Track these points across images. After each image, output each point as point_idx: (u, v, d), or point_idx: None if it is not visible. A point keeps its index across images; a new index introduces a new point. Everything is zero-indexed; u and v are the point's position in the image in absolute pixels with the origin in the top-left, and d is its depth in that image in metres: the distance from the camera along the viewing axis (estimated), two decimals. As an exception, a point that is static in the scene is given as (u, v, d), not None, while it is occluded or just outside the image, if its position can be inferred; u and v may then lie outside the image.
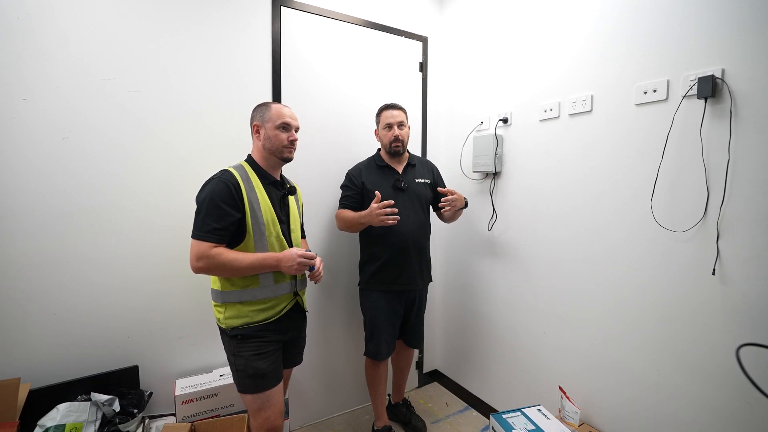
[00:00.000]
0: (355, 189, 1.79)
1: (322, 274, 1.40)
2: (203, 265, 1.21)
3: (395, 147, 1.78)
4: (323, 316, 2.02)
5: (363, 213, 1.65)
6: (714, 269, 1.20)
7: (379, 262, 1.78)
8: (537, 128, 1.77)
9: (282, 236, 1.35)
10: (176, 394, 1.53)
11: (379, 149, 1.89)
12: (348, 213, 1.75)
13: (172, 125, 1.61)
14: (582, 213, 1.59)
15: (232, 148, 1.67)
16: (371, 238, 1.80)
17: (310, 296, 1.89)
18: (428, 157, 2.35)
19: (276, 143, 1.35)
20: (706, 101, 1.19)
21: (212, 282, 1.34)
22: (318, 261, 1.36)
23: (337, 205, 1.84)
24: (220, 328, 1.34)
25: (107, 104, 1.49)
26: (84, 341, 1.48)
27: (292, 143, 1.38)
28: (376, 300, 1.81)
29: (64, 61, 1.41)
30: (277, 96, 1.83)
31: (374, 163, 1.84)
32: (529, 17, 1.79)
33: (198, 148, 1.66)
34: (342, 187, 1.85)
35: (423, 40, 2.27)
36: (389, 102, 1.85)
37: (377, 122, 1.84)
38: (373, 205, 1.60)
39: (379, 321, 1.81)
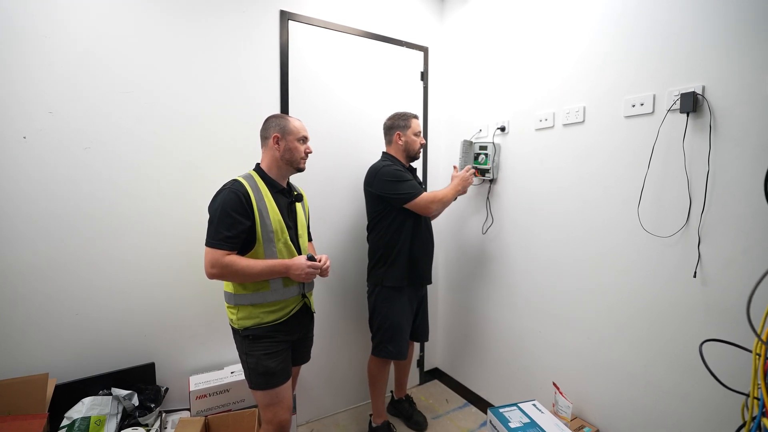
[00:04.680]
0: (413, 178, 1.88)
1: (329, 268, 1.47)
2: (217, 272, 1.29)
3: (420, 153, 1.95)
4: (329, 317, 2.11)
5: (455, 183, 1.88)
6: (695, 272, 1.28)
7: (413, 257, 1.86)
8: (533, 137, 1.86)
9: (290, 242, 1.43)
10: (191, 389, 1.62)
11: (389, 154, 1.92)
12: (435, 192, 1.85)
13: (187, 135, 1.70)
14: (575, 218, 1.68)
15: (245, 157, 1.76)
16: (403, 232, 1.84)
17: (317, 297, 1.98)
18: (429, 164, 2.45)
19: (296, 155, 1.45)
20: (688, 115, 1.28)
21: (225, 285, 1.42)
22: (324, 258, 1.45)
23: (414, 194, 1.78)
24: (232, 328, 1.42)
25: (125, 116, 1.58)
26: (104, 339, 1.58)
27: (307, 155, 1.49)
28: (402, 301, 1.87)
29: (87, 76, 1.50)
30: (284, 105, 1.91)
31: (401, 164, 1.90)
32: (527, 30, 1.87)
33: (212, 158, 1.75)
34: (401, 180, 1.80)
35: (424, 50, 2.36)
36: (403, 111, 1.93)
37: (403, 127, 1.88)
38: (465, 173, 1.89)
39: (402, 322, 1.87)
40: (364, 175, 1.91)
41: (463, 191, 1.91)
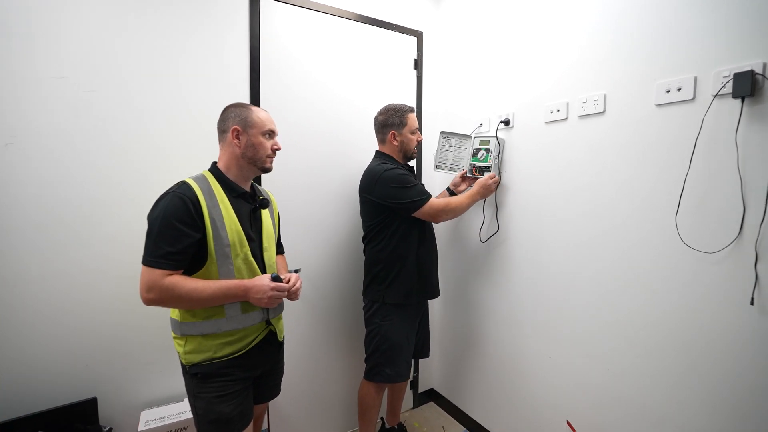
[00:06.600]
0: (418, 183, 1.67)
1: (299, 291, 1.24)
2: (155, 297, 1.03)
3: (415, 151, 1.75)
4: (308, 336, 1.85)
5: (475, 191, 1.69)
6: (753, 298, 1.03)
7: (421, 269, 1.68)
8: (542, 131, 1.60)
9: (251, 258, 1.18)
10: (140, 429, 1.37)
11: (385, 153, 1.70)
12: (450, 198, 1.69)
13: (135, 130, 1.44)
14: (591, 226, 1.42)
15: (203, 156, 1.50)
16: (409, 242, 1.64)
17: (293, 314, 1.73)
18: (423, 162, 2.19)
19: (260, 152, 1.21)
20: (743, 101, 1.02)
21: (171, 310, 1.17)
22: (293, 278, 1.21)
23: (423, 201, 1.58)
24: (180, 363, 1.17)
25: (58, 106, 1.32)
26: (34, 373, 1.32)
27: (275, 152, 1.25)
28: (404, 319, 1.67)
29: (7, 56, 1.24)
30: (255, 95, 1.66)
31: (400, 165, 1.69)
32: (534, 8, 1.62)
33: (164, 156, 1.49)
34: (407, 186, 1.59)
35: (417, 35, 2.10)
36: (397, 104, 1.70)
37: (398, 125, 1.66)
38: (486, 180, 1.70)
39: (403, 342, 1.67)
40: (360, 178, 1.68)
41: (482, 198, 1.75)
